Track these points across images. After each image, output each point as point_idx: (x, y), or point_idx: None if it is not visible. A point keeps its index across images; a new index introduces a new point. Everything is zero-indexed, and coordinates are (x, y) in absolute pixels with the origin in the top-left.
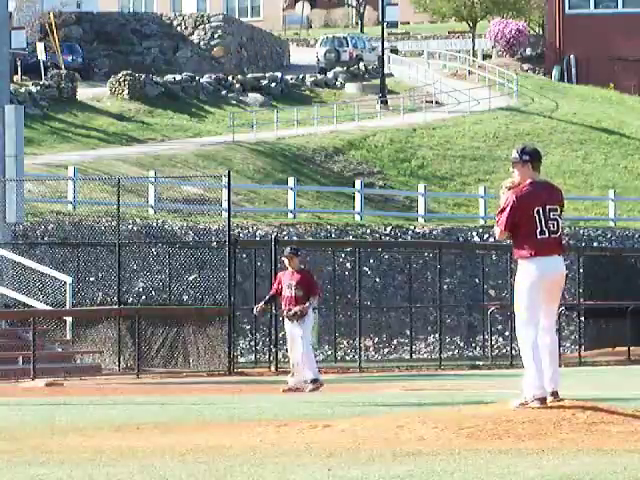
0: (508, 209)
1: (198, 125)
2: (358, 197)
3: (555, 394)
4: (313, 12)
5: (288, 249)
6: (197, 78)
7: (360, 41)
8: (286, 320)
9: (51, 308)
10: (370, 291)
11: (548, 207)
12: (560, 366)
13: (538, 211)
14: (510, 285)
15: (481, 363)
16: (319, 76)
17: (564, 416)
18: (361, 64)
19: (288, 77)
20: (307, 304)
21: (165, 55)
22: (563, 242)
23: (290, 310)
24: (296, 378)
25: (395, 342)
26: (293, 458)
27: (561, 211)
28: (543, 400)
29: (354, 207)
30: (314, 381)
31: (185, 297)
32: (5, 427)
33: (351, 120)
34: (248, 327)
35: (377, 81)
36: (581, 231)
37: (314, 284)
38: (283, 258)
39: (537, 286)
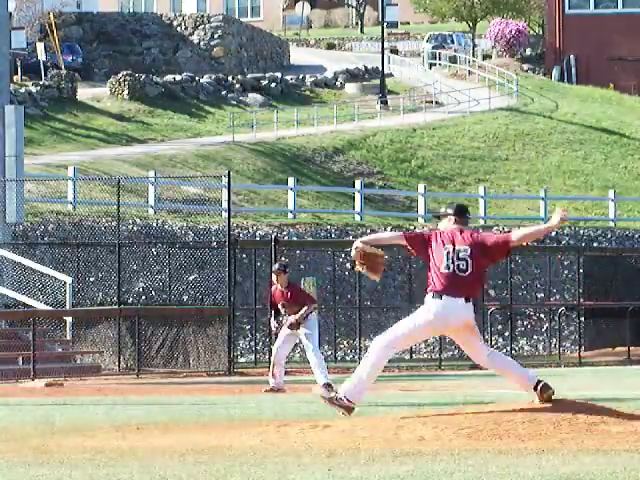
0: (423, 235)
1: (198, 125)
2: (358, 197)
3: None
4: (313, 12)
5: (277, 265)
6: (197, 78)
7: (463, 38)
8: (287, 320)
9: (51, 308)
10: (370, 291)
11: (457, 247)
12: (560, 366)
13: (448, 249)
14: (510, 285)
15: None
16: (319, 76)
17: (564, 416)
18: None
19: (288, 77)
20: (302, 311)
21: (165, 55)
22: (476, 284)
23: (288, 322)
24: (277, 379)
25: None
26: (293, 458)
27: (477, 251)
28: (349, 409)
29: (354, 207)
30: (327, 385)
31: (185, 297)
32: (5, 427)
33: (351, 120)
34: (248, 327)
35: (377, 81)
36: (581, 231)
37: (305, 296)
38: (272, 273)
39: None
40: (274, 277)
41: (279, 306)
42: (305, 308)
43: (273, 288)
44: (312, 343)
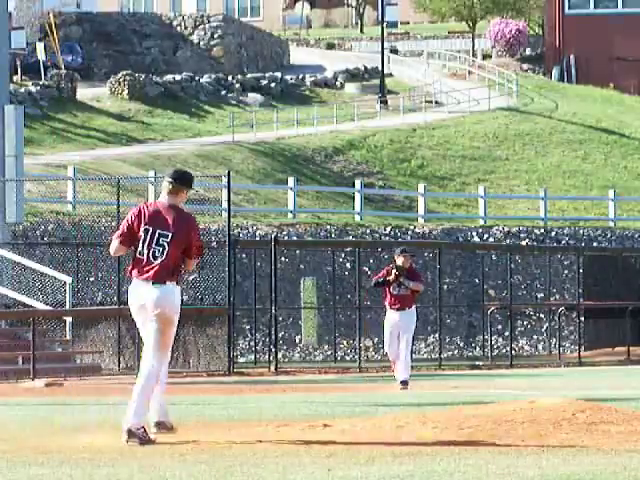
0: (126, 223)
1: (198, 125)
2: (358, 197)
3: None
4: (313, 12)
5: (404, 249)
6: (197, 78)
7: None
8: (390, 313)
9: (51, 308)
10: (370, 291)
11: (158, 231)
12: (560, 366)
13: (146, 230)
14: (510, 285)
15: (481, 363)
16: (319, 76)
17: (564, 416)
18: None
19: (288, 77)
20: (413, 283)
21: (165, 55)
22: (168, 270)
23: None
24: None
25: None
26: (293, 458)
27: (180, 240)
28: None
29: (354, 207)
30: (403, 383)
31: (185, 297)
32: (5, 427)
33: (351, 120)
34: (248, 327)
35: (377, 81)
36: (581, 231)
37: (420, 278)
38: (396, 257)
39: (133, 309)
40: (400, 261)
41: (394, 284)
42: (417, 282)
43: (389, 267)
44: (408, 335)
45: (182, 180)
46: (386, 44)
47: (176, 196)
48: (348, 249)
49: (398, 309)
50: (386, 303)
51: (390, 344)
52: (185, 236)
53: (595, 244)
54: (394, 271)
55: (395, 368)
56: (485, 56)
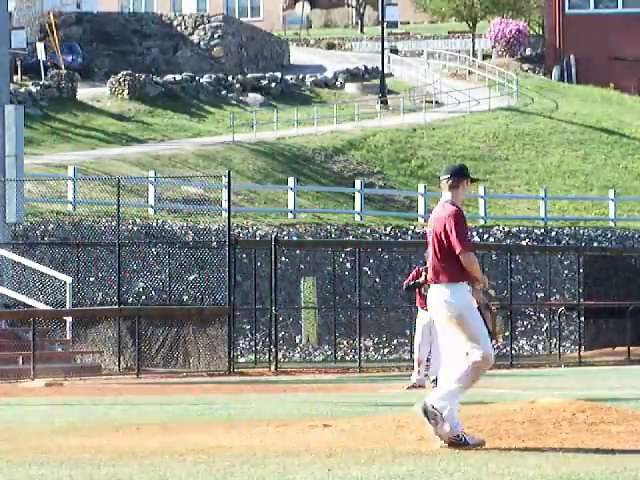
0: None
1: (198, 125)
2: (358, 197)
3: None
4: (313, 12)
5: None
6: (197, 78)
7: None
8: (422, 313)
9: (51, 308)
10: (370, 291)
11: (430, 230)
12: (560, 366)
13: (430, 232)
14: (510, 285)
15: None
16: (319, 76)
17: (564, 416)
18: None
19: (288, 77)
20: None
21: (165, 55)
22: (435, 269)
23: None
24: (421, 376)
25: (395, 342)
26: (293, 458)
27: (436, 237)
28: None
29: (354, 207)
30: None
31: (185, 297)
32: (5, 427)
33: (351, 120)
34: (248, 327)
35: (377, 81)
36: (581, 231)
37: None
38: (426, 254)
39: None
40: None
41: (425, 286)
42: None
43: (422, 268)
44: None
45: (450, 173)
46: (386, 44)
47: (448, 191)
48: (348, 249)
49: None
50: (417, 304)
51: (421, 345)
52: (439, 231)
53: (595, 244)
54: (424, 273)
55: (421, 370)
56: (485, 56)
